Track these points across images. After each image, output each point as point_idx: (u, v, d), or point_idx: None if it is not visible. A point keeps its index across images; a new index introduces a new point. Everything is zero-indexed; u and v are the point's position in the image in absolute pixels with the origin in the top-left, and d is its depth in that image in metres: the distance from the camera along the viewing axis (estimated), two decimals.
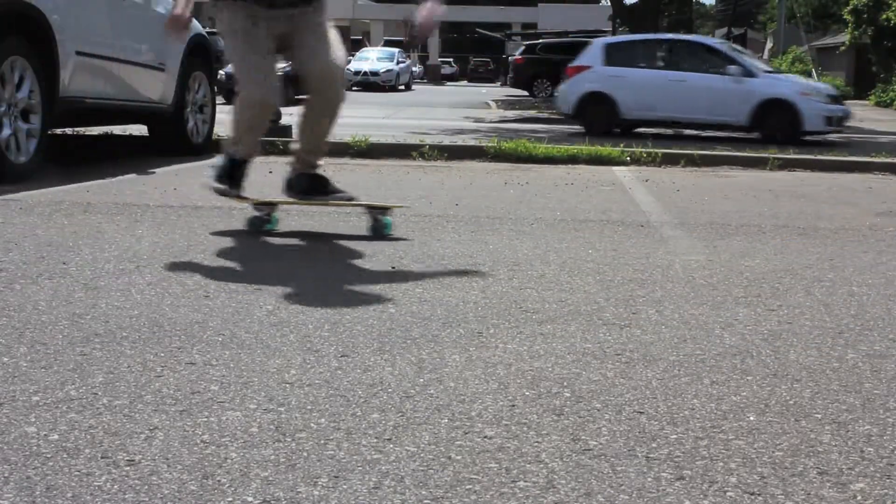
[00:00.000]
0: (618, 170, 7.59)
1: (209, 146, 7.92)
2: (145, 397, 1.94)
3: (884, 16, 29.84)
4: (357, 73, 30.36)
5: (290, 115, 9.69)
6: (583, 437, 1.80)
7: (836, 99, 13.48)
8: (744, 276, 3.40)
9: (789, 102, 12.50)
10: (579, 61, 14.11)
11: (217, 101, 8.54)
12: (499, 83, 43.62)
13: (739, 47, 15.95)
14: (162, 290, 2.87)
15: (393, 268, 3.38)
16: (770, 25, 55.34)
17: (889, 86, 30.21)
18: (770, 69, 15.26)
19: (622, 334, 2.55)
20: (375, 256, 3.61)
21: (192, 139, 7.65)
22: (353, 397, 1.98)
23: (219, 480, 1.57)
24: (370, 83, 30.65)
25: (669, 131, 13.23)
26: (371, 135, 8.38)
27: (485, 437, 1.79)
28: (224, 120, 9.00)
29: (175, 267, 3.20)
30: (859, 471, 1.69)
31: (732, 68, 12.92)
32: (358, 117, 12.15)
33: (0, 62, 5.09)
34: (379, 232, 4.02)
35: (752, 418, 1.94)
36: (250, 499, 1.50)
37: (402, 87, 32.77)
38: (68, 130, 7.92)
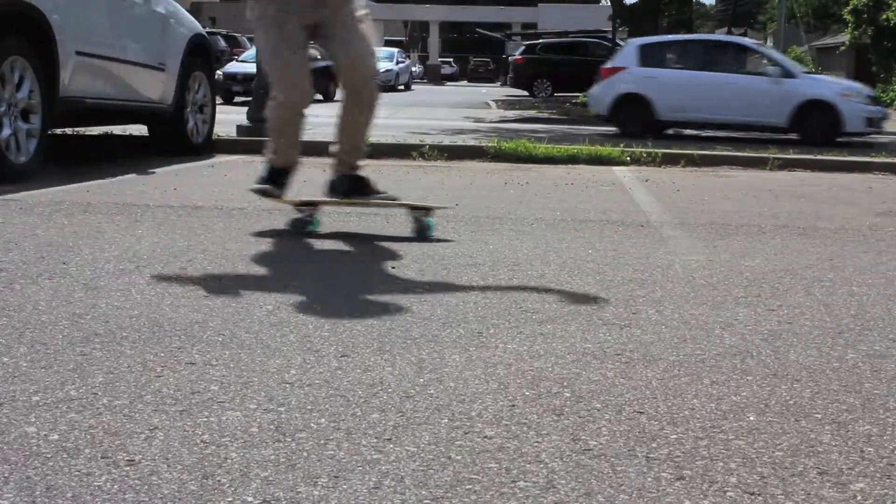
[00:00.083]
0: (618, 170, 7.59)
1: (209, 146, 7.93)
2: (145, 397, 1.94)
3: (884, 16, 29.85)
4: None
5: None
6: (583, 437, 1.80)
7: (874, 100, 13.42)
8: (744, 276, 3.40)
9: (830, 103, 12.43)
10: (613, 62, 14.00)
11: (216, 102, 8.55)
12: (499, 83, 43.65)
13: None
14: (162, 290, 2.87)
15: (393, 268, 3.37)
16: (770, 25, 55.36)
17: (889, 86, 30.21)
18: (807, 70, 15.21)
19: (622, 334, 2.55)
20: (375, 256, 3.61)
21: (192, 139, 7.65)
22: (353, 397, 1.98)
23: (219, 480, 1.57)
24: None
25: (703, 132, 13.14)
26: (371, 135, 8.36)
27: (485, 437, 1.79)
28: (224, 120, 9.03)
29: (175, 267, 3.20)
30: (859, 471, 1.69)
31: (772, 69, 12.87)
32: None
33: (0, 62, 5.09)
34: (422, 233, 4.00)
35: (752, 418, 1.94)
36: (250, 499, 1.51)
37: (402, 87, 32.77)
38: (68, 130, 7.92)
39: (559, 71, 27.92)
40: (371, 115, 3.99)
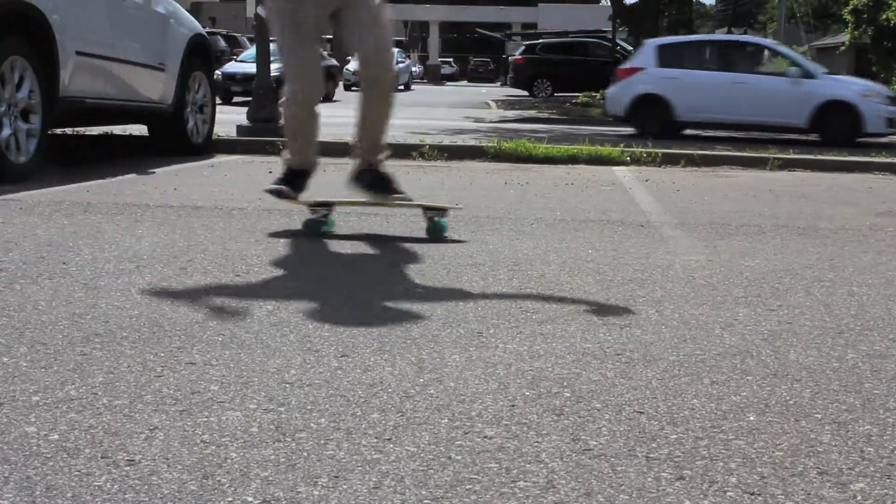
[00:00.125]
0: (618, 170, 7.59)
1: (209, 146, 7.93)
2: (145, 397, 1.94)
3: (884, 16, 29.85)
4: (355, 73, 30.34)
5: None
6: (583, 437, 1.80)
7: (894, 100, 13.41)
8: (744, 276, 3.40)
9: (850, 104, 12.41)
10: (631, 63, 13.97)
11: (216, 102, 8.55)
12: (499, 83, 43.66)
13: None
14: (162, 290, 2.87)
15: (393, 268, 3.37)
16: (770, 25, 55.35)
17: (889, 86, 30.20)
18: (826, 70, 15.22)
19: (622, 334, 2.55)
20: (375, 256, 3.61)
21: (192, 139, 7.65)
22: (353, 397, 1.98)
23: (219, 480, 1.57)
24: None
25: (722, 133, 13.09)
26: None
27: (485, 437, 1.79)
28: (223, 120, 9.04)
29: (175, 267, 3.20)
30: (859, 471, 1.69)
31: (792, 69, 12.85)
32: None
33: (0, 62, 5.09)
34: (436, 234, 3.97)
35: (752, 418, 1.94)
36: (250, 499, 1.51)
37: (402, 87, 32.76)
38: (68, 130, 7.92)
39: (559, 71, 27.94)
40: (389, 109, 3.91)
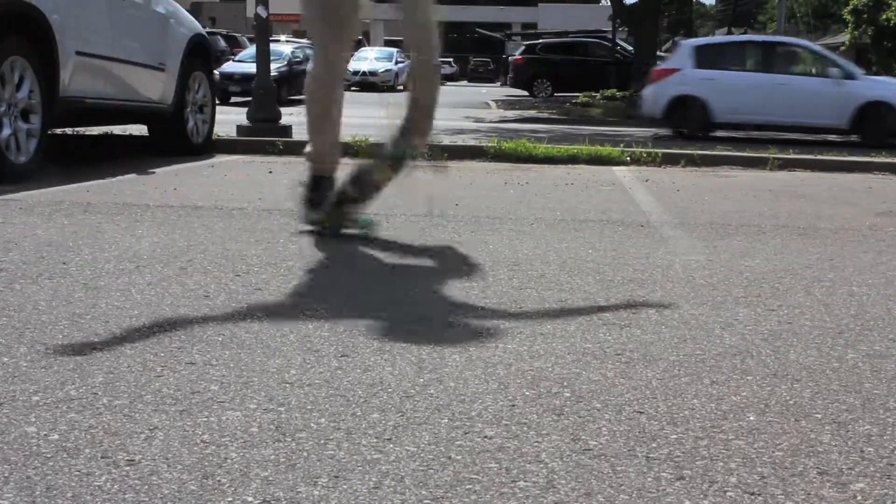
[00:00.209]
0: (618, 170, 7.59)
1: (209, 146, 7.93)
2: (145, 397, 1.94)
3: (884, 16, 29.88)
4: (355, 73, 30.32)
5: (290, 115, 9.72)
6: (583, 437, 1.80)
7: None
8: (744, 276, 3.40)
9: (892, 105, 12.41)
10: (667, 64, 13.90)
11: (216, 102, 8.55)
12: (499, 83, 43.63)
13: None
14: (162, 290, 2.87)
15: (393, 268, 3.37)
16: (770, 25, 55.36)
17: None
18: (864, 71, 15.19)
19: (622, 334, 2.55)
20: (375, 256, 3.61)
21: (192, 139, 7.65)
22: (353, 397, 1.98)
23: (219, 480, 1.57)
24: (368, 83, 30.62)
25: (756, 134, 13.02)
26: (371, 135, 8.38)
27: (485, 437, 1.79)
28: (223, 120, 9.04)
29: (175, 267, 3.20)
30: (859, 471, 1.69)
31: (834, 70, 12.84)
32: (358, 117, 12.12)
33: (0, 62, 5.09)
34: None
35: (752, 418, 1.94)
36: (250, 499, 1.51)
37: (401, 87, 32.76)
38: (68, 130, 7.92)
39: (559, 71, 27.94)
40: (438, 85, 3.92)
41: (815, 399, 2.08)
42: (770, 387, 2.14)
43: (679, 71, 13.37)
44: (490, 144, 8.30)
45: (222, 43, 29.00)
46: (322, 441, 1.74)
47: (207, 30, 8.58)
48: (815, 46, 14.97)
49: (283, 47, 23.42)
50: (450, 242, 3.89)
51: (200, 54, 7.75)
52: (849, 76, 12.82)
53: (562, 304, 2.89)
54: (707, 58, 13.51)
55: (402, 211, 4.41)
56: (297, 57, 22.71)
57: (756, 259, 3.74)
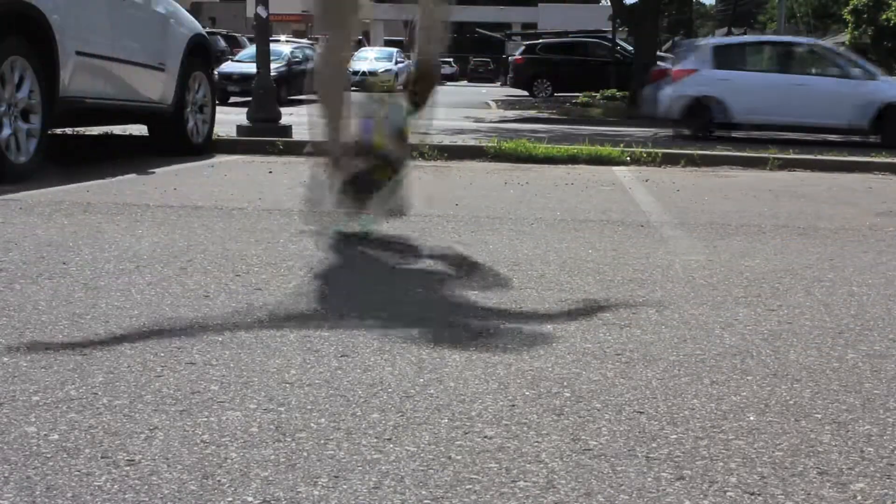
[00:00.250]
0: (618, 170, 7.59)
1: (209, 146, 7.93)
2: (145, 397, 1.94)
3: (884, 16, 29.88)
4: (355, 73, 30.31)
5: (290, 115, 9.72)
6: (583, 437, 1.80)
7: None
8: (744, 276, 3.40)
9: None
10: (685, 65, 13.77)
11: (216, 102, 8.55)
12: (499, 83, 43.63)
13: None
14: (162, 290, 2.87)
15: (393, 268, 3.37)
16: (770, 25, 55.36)
17: None
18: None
19: (622, 334, 2.55)
20: (375, 256, 3.61)
21: (192, 139, 7.65)
22: (353, 397, 1.98)
23: (219, 480, 1.57)
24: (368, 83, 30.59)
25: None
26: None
27: (485, 437, 1.79)
28: (223, 120, 9.04)
29: (175, 267, 3.20)
30: (859, 471, 1.69)
31: (855, 71, 12.83)
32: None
33: (0, 62, 5.09)
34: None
35: (752, 418, 1.94)
36: (250, 499, 1.51)
37: (401, 87, 32.73)
38: (68, 130, 7.92)
39: (559, 71, 27.93)
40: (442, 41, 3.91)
41: (815, 399, 2.08)
42: (770, 387, 2.15)
43: (697, 71, 13.28)
44: (490, 144, 8.30)
45: (222, 43, 29.00)
46: (322, 441, 1.74)
47: (207, 30, 8.59)
48: (834, 47, 14.96)
49: (283, 47, 23.39)
50: (450, 242, 3.89)
51: (200, 54, 7.75)
52: (870, 76, 12.83)
53: (562, 304, 2.89)
54: (725, 58, 13.41)
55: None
56: (297, 57, 22.70)
57: (756, 259, 3.74)
